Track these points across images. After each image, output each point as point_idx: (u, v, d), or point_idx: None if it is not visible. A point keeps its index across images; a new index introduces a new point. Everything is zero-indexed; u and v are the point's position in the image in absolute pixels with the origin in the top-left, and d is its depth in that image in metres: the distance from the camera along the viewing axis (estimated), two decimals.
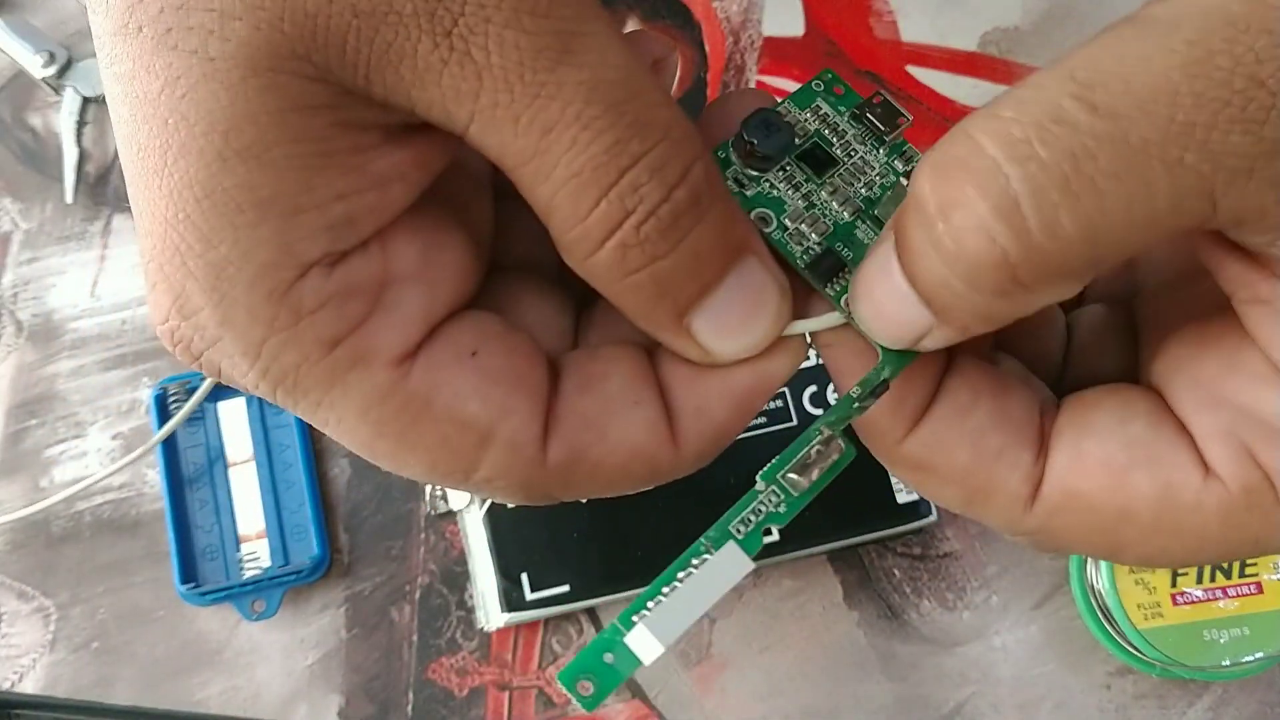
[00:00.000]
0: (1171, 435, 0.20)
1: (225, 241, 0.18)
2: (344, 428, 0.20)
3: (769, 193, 0.23)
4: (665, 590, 0.20)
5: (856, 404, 0.21)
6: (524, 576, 0.34)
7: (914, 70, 0.40)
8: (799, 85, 0.24)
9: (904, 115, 0.24)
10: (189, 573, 0.35)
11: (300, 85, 0.18)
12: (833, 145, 0.24)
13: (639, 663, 0.19)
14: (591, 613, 0.36)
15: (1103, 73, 0.16)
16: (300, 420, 0.36)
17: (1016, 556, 0.36)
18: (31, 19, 0.41)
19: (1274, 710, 0.35)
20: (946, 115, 0.40)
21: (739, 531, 0.21)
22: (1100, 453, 0.20)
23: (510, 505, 0.36)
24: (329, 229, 0.19)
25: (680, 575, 0.20)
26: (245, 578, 0.35)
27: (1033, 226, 0.16)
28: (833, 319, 0.22)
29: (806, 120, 0.24)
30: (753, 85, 0.40)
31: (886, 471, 0.25)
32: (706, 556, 0.20)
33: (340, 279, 0.19)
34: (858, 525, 0.35)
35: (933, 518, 0.35)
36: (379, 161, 0.19)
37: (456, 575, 0.36)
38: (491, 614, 0.35)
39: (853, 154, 0.24)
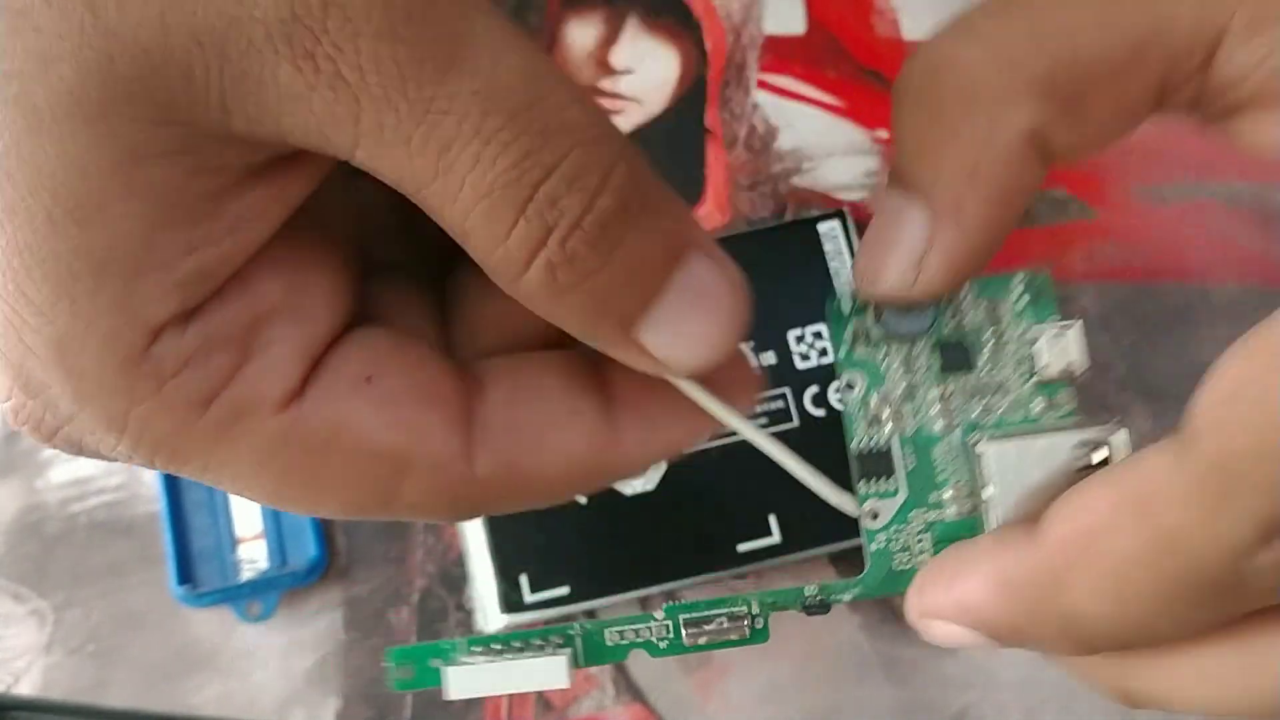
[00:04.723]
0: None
1: (63, 314, 0.16)
2: (242, 483, 0.19)
3: (878, 362, 0.20)
4: (497, 649, 0.20)
5: (803, 603, 0.21)
6: (523, 578, 0.34)
7: None
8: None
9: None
10: (185, 574, 0.35)
11: (139, 131, 0.16)
12: (979, 353, 0.20)
13: (440, 685, 0.20)
14: (591, 614, 0.35)
15: None
16: None
17: None
18: None
19: None
20: None
21: (612, 639, 0.21)
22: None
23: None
24: (180, 286, 0.17)
25: (517, 645, 0.21)
26: (242, 580, 0.34)
27: None
28: (847, 506, 0.22)
29: (968, 313, 0.20)
30: (754, 83, 0.39)
31: None
32: (546, 654, 0.20)
33: (200, 333, 0.18)
34: (859, 526, 0.35)
35: None
36: (234, 204, 0.17)
37: (455, 577, 0.36)
38: (490, 616, 0.34)
39: (996, 374, 0.20)
